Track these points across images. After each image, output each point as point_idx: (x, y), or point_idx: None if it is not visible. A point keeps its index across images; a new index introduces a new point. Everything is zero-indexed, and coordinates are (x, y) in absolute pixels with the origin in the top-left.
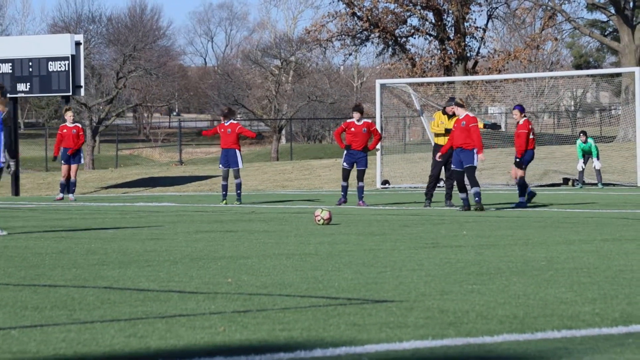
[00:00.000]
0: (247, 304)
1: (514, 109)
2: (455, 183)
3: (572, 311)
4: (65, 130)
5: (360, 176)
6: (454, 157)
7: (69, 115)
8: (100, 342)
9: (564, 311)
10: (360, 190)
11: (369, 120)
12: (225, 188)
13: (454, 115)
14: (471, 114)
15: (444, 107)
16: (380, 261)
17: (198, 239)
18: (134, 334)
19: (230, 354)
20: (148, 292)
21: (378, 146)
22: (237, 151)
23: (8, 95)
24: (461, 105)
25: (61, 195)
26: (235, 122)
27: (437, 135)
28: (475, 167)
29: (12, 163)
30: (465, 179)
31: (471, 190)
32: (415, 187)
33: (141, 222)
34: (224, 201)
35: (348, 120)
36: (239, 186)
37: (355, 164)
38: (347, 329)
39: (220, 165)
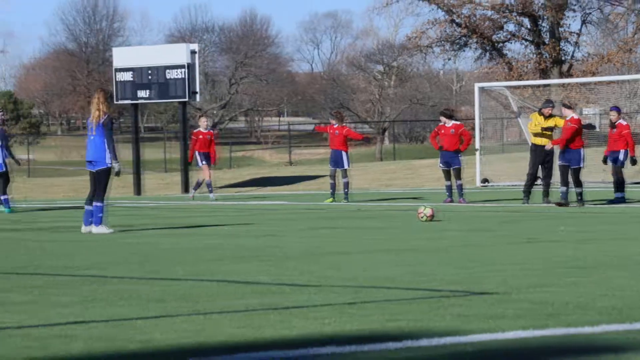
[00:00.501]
0: (356, 297)
1: (611, 110)
2: (551, 181)
3: None
4: (201, 137)
5: (456, 175)
6: (561, 154)
7: (202, 122)
8: (220, 331)
9: None
10: (459, 188)
11: (458, 123)
12: (333, 187)
13: (550, 116)
14: (576, 116)
15: (540, 109)
16: (481, 255)
17: (309, 235)
18: (250, 324)
19: (341, 344)
20: (263, 285)
21: (477, 146)
22: (344, 152)
23: (113, 100)
24: (569, 107)
25: (212, 196)
26: (344, 125)
27: (534, 135)
28: (580, 168)
29: (116, 165)
30: (571, 176)
31: (562, 188)
32: (513, 185)
33: (254, 219)
34: (331, 199)
35: (440, 124)
36: (346, 185)
37: (450, 164)
38: (452, 319)
39: (330, 165)
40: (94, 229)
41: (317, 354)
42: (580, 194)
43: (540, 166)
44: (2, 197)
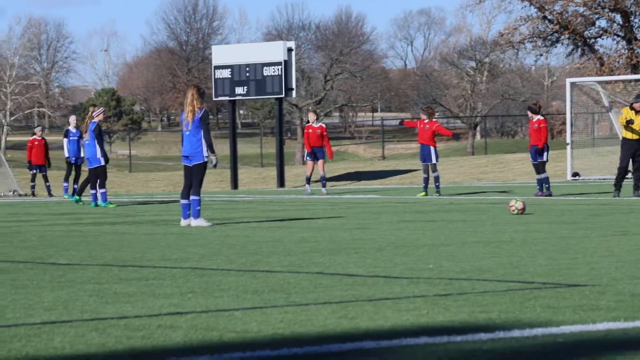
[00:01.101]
0: (447, 288)
1: None
2: None
3: None
4: (310, 130)
5: (538, 169)
6: None
7: (312, 117)
8: (315, 322)
9: None
10: (539, 181)
11: (541, 118)
12: (426, 180)
13: None
14: None
15: (632, 103)
16: (572, 248)
17: (401, 227)
18: (344, 315)
19: (434, 334)
20: (356, 277)
21: (568, 140)
22: (432, 147)
23: (208, 97)
24: None
25: (309, 189)
26: (434, 119)
27: (625, 128)
28: None
29: (213, 158)
30: None
31: None
32: (604, 179)
33: (348, 212)
34: (423, 193)
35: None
36: (437, 179)
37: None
38: (543, 311)
39: (420, 160)
40: (193, 222)
41: (409, 344)
42: None
43: (630, 160)
44: (100, 191)
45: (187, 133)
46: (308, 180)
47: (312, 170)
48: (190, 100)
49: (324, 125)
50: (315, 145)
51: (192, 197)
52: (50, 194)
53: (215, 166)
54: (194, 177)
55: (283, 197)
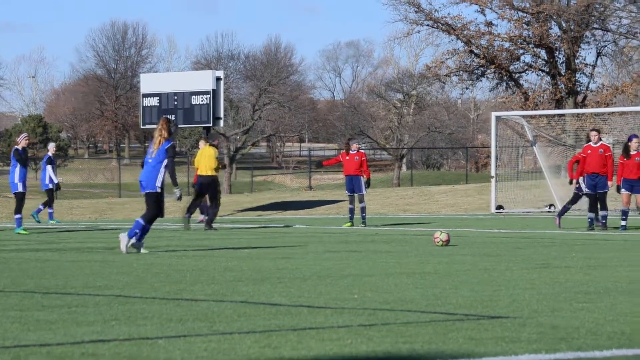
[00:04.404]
0: (371, 319)
1: (632, 137)
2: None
3: None
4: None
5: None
6: (588, 181)
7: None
8: (238, 351)
9: None
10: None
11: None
12: (351, 211)
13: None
14: (606, 143)
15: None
16: (494, 280)
17: (326, 258)
18: (268, 344)
19: None
20: (280, 306)
21: (493, 173)
22: (362, 178)
23: (175, 128)
24: (598, 132)
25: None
26: (362, 151)
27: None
28: (607, 192)
29: (177, 191)
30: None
31: (601, 213)
32: (527, 212)
33: (274, 242)
34: (349, 223)
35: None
36: (363, 209)
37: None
38: (465, 342)
39: (347, 191)
40: (121, 235)
41: None
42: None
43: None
44: (15, 217)
45: (149, 161)
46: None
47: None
48: (158, 130)
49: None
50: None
51: (137, 219)
52: None
53: (179, 199)
54: (146, 204)
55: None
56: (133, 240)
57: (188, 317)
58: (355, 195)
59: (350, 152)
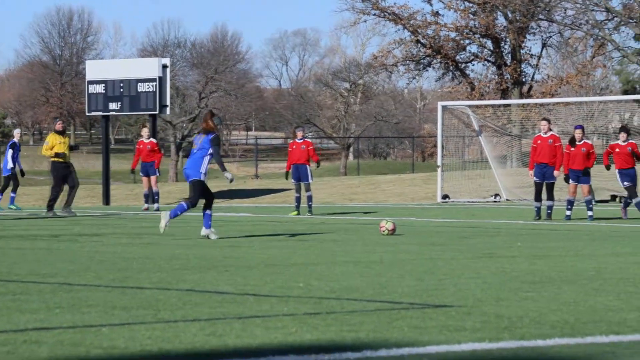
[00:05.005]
0: (317, 307)
1: (576, 128)
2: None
3: (619, 318)
4: (141, 146)
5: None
6: (538, 171)
7: (144, 132)
8: (183, 339)
9: (612, 318)
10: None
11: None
12: (298, 200)
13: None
14: (556, 134)
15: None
16: (440, 269)
17: (272, 246)
18: (213, 332)
19: (301, 353)
20: (226, 294)
21: (439, 162)
22: (308, 166)
23: (218, 120)
24: (549, 122)
25: (146, 205)
26: (308, 140)
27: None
28: (554, 182)
29: (229, 174)
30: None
31: (547, 202)
32: (472, 202)
33: (220, 230)
34: (296, 212)
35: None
36: (310, 198)
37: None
38: (410, 331)
39: (293, 180)
40: (163, 215)
41: None
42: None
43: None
44: None
45: (194, 151)
46: (146, 197)
47: (149, 185)
48: (203, 122)
49: (154, 141)
50: (146, 160)
51: (180, 202)
52: None
53: (231, 181)
54: (190, 191)
55: (154, 214)
56: (167, 220)
57: (133, 305)
58: (302, 184)
59: (296, 140)
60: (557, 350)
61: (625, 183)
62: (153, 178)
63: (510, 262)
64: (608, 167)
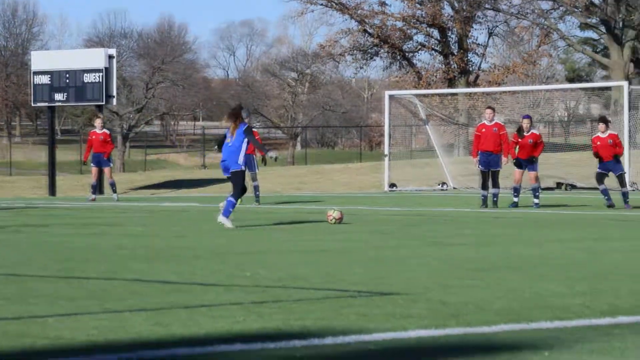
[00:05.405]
0: (263, 296)
1: (524, 117)
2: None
3: (563, 304)
4: (94, 137)
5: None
6: (482, 159)
7: (97, 122)
8: (129, 329)
9: (556, 304)
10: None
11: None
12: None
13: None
14: (500, 122)
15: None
16: (387, 257)
17: (219, 235)
18: (159, 322)
19: (248, 341)
20: (172, 284)
21: (386, 151)
22: (254, 156)
23: (247, 112)
24: (493, 110)
25: (93, 196)
26: (254, 130)
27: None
28: (499, 170)
29: (272, 153)
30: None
31: (492, 190)
32: (420, 190)
33: (167, 220)
34: (240, 201)
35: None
36: (256, 188)
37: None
38: (357, 319)
39: None
40: (220, 218)
41: (223, 351)
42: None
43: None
44: None
45: (230, 145)
46: (94, 188)
47: (98, 176)
48: (233, 115)
49: (107, 132)
50: (98, 151)
51: (227, 198)
52: None
53: (275, 159)
54: (231, 182)
55: (101, 204)
56: (228, 220)
57: (78, 295)
58: (248, 173)
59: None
60: (503, 336)
61: (599, 170)
62: (107, 169)
63: (456, 249)
64: (597, 156)
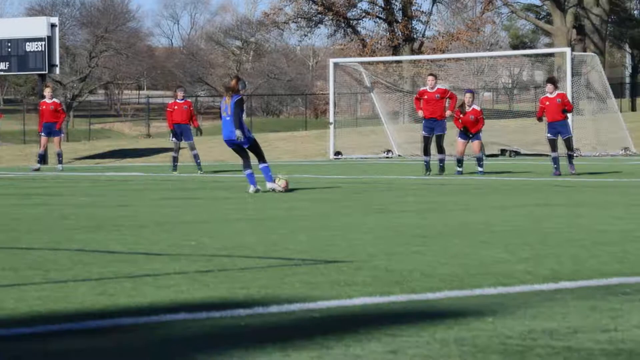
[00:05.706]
0: (208, 265)
1: (467, 92)
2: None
3: (507, 270)
4: (44, 107)
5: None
6: (426, 125)
7: (47, 92)
8: (72, 299)
9: (499, 270)
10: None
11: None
12: (175, 160)
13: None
14: (442, 87)
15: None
16: (332, 225)
17: (163, 205)
18: (103, 292)
19: (193, 311)
20: (116, 254)
21: (331, 119)
22: (189, 126)
23: (243, 85)
24: (435, 77)
25: (38, 165)
26: (188, 100)
27: None
28: (444, 135)
29: (239, 132)
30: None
31: (438, 156)
32: (365, 158)
33: (111, 190)
34: (175, 172)
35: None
36: (197, 157)
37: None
38: (301, 287)
39: (173, 139)
40: (268, 184)
41: (168, 320)
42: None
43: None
44: None
45: (227, 118)
46: (40, 157)
47: (46, 146)
48: (229, 85)
49: (57, 101)
50: (48, 121)
51: (262, 166)
52: None
53: (238, 139)
54: (254, 152)
55: (44, 174)
56: (273, 183)
57: (22, 265)
58: (187, 143)
59: (177, 100)
60: (447, 302)
61: (549, 135)
62: (56, 139)
63: (401, 217)
64: (540, 119)
